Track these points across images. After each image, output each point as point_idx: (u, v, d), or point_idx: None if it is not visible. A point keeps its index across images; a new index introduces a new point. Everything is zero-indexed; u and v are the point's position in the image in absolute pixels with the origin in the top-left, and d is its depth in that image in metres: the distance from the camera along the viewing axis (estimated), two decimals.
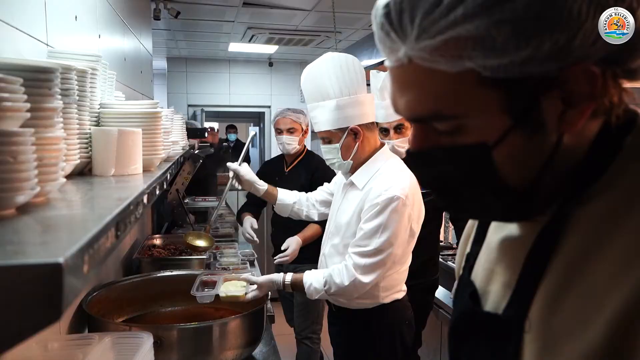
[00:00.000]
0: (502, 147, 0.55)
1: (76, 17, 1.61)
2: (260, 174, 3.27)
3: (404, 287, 1.93)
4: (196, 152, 3.32)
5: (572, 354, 0.51)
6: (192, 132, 3.88)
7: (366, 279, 1.73)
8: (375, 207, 1.74)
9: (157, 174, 1.16)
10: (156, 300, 1.97)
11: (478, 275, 0.71)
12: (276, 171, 3.27)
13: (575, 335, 0.52)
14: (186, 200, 3.79)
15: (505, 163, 0.56)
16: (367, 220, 1.75)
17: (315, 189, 2.37)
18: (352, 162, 1.90)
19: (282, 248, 2.77)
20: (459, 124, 0.56)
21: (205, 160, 3.88)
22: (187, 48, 6.68)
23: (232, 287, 1.82)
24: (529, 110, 0.54)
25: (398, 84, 0.59)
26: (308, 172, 3.14)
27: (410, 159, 0.63)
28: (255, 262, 3.08)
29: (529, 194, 0.58)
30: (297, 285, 1.84)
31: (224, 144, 4.92)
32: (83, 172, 1.11)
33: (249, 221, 3.12)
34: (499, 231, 0.69)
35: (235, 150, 6.43)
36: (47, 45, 1.30)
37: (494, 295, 0.66)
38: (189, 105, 7.34)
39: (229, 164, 2.28)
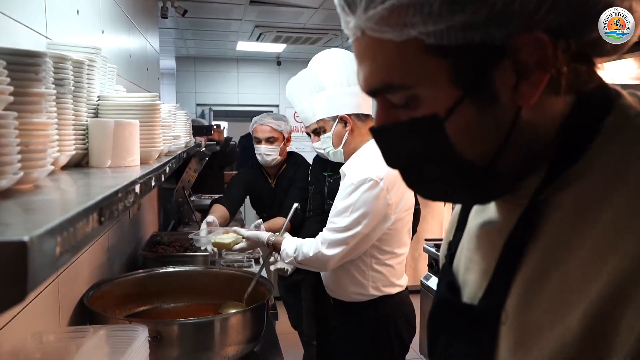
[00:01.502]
0: (454, 120, 0.54)
1: (78, 11, 1.60)
2: (244, 184, 3.05)
3: (400, 284, 1.94)
4: (202, 149, 3.32)
5: (548, 345, 0.49)
6: (198, 130, 3.89)
7: (329, 252, 1.80)
8: (349, 187, 1.82)
9: (154, 166, 1.15)
10: (159, 296, 1.96)
11: (460, 264, 0.69)
12: (260, 184, 2.98)
13: (551, 327, 0.50)
14: (192, 198, 3.79)
15: (461, 137, 0.54)
16: (341, 199, 1.84)
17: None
18: (343, 150, 1.98)
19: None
20: (412, 96, 0.55)
21: (212, 157, 3.88)
22: (196, 47, 6.70)
23: (226, 238, 2.06)
24: (478, 80, 0.52)
25: (356, 57, 0.59)
26: (300, 178, 2.86)
27: (375, 137, 0.62)
28: (260, 260, 3.06)
29: (492, 171, 0.56)
30: (276, 247, 1.99)
31: (231, 142, 4.91)
32: (80, 164, 1.11)
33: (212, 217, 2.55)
34: (478, 217, 0.67)
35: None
36: (47, 37, 1.30)
37: (472, 284, 0.64)
38: (198, 105, 7.36)
39: (268, 237, 2.05)
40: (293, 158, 3.03)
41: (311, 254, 1.83)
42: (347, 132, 1.94)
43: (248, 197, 3.13)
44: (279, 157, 2.87)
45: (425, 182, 0.61)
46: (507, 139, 0.54)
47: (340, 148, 1.98)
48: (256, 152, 2.88)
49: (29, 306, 1.19)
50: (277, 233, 2.05)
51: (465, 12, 0.49)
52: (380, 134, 0.61)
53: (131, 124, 1.11)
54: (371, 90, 0.59)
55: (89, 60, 1.13)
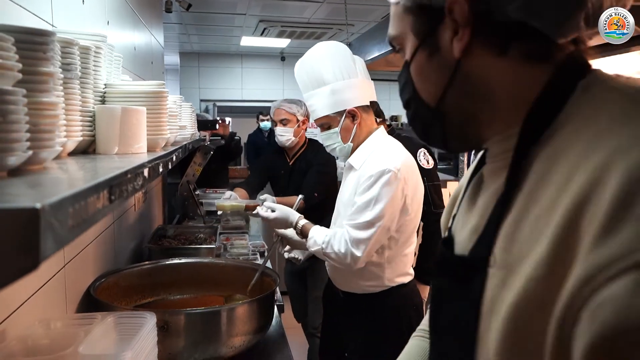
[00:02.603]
0: (414, 64, 0.69)
1: (83, 1, 1.60)
2: (261, 169, 3.27)
3: (411, 272, 1.95)
4: (207, 143, 3.32)
5: (524, 276, 0.53)
6: (203, 124, 3.88)
7: (358, 252, 1.76)
8: (368, 181, 1.78)
9: (162, 153, 1.15)
10: (165, 288, 1.96)
11: (457, 226, 0.75)
12: (279, 165, 3.17)
13: (527, 259, 0.53)
14: (197, 192, 3.79)
15: (417, 78, 0.70)
16: (361, 194, 1.80)
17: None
18: (352, 144, 1.94)
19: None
20: (401, 45, 0.72)
21: (216, 152, 3.88)
22: (200, 42, 6.69)
23: (227, 202, 2.22)
24: (428, 33, 0.66)
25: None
26: (319, 163, 3.04)
27: (399, 82, 0.76)
28: (266, 253, 3.06)
29: (439, 110, 0.69)
30: (304, 233, 1.93)
31: (236, 137, 4.90)
32: (87, 152, 1.10)
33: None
34: (475, 188, 0.73)
35: (270, 137, 6.11)
36: (52, 25, 1.29)
37: (463, 240, 0.70)
38: (202, 100, 7.37)
39: (278, 230, 2.05)
40: (314, 144, 3.14)
41: (343, 251, 1.77)
42: (355, 126, 1.91)
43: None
44: (293, 138, 3.01)
45: (415, 123, 0.75)
46: (449, 84, 0.66)
47: (349, 143, 1.94)
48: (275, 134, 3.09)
49: (36, 294, 1.18)
50: (302, 216, 1.99)
51: None
52: (398, 80, 0.75)
53: (138, 111, 1.11)
54: (389, 40, 0.75)
55: (95, 47, 1.12)
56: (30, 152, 0.60)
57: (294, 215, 1.96)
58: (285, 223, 1.97)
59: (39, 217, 0.36)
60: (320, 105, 1.93)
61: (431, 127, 0.71)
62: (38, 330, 0.95)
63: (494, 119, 0.66)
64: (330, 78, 1.90)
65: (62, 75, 0.87)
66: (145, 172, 0.84)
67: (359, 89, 1.92)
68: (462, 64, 0.64)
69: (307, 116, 3.03)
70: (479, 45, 0.63)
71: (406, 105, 0.75)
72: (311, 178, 2.97)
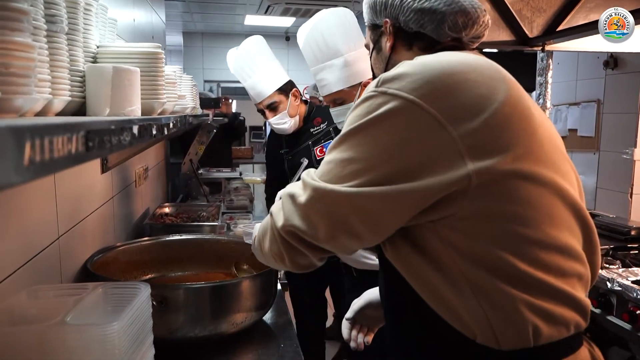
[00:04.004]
0: (372, 58, 1.20)
1: None
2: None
3: None
4: (210, 122, 3.25)
5: None
6: (206, 102, 3.82)
7: None
8: None
9: (157, 116, 1.08)
10: (166, 264, 1.91)
11: None
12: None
13: None
14: (200, 171, 3.74)
15: (374, 66, 1.21)
16: None
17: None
18: None
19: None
20: (369, 48, 1.22)
21: (219, 131, 3.81)
22: (203, 22, 6.58)
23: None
24: (377, 40, 1.16)
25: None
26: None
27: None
28: None
29: None
30: None
31: (239, 117, 4.82)
32: (77, 114, 1.04)
33: None
34: None
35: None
36: None
37: None
38: (205, 81, 7.28)
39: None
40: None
41: None
42: None
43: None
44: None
45: None
46: (386, 66, 1.13)
47: None
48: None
49: (26, 265, 1.13)
50: None
51: (368, 14, 1.18)
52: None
53: (131, 71, 1.04)
54: (365, 45, 1.26)
55: (84, 3, 1.05)
56: None
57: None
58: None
59: None
60: (333, 79, 1.78)
61: None
62: (25, 300, 0.90)
63: None
64: (344, 48, 1.75)
65: (45, 27, 0.81)
66: (135, 129, 0.78)
67: (369, 59, 1.81)
68: (390, 56, 1.12)
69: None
70: (397, 45, 1.11)
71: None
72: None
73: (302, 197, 0.90)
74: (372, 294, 1.38)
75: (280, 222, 0.93)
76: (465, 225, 0.83)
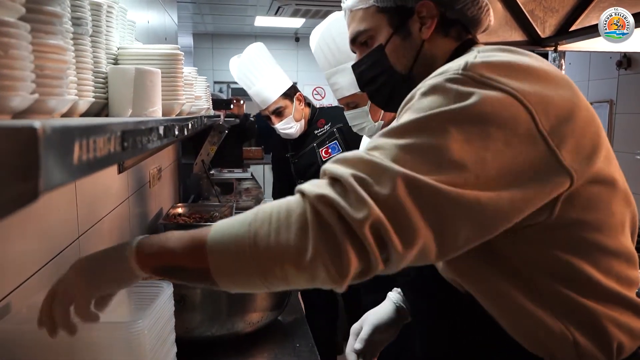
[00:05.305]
0: (389, 46, 1.02)
1: None
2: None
3: None
4: (221, 122, 3.27)
5: None
6: (218, 103, 3.83)
7: None
8: None
9: (179, 117, 1.09)
10: None
11: None
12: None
13: None
14: (212, 172, 3.76)
15: (392, 55, 1.02)
16: None
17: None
18: (382, 122, 1.79)
19: None
20: (369, 36, 1.05)
21: (231, 132, 3.83)
22: (213, 23, 6.62)
23: None
24: (401, 25, 1.00)
25: (348, 23, 1.09)
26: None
27: (354, 70, 1.12)
28: None
29: (409, 77, 1.02)
30: None
31: (251, 118, 4.84)
32: (99, 115, 1.06)
33: None
34: None
35: None
36: None
37: None
38: (215, 82, 7.31)
39: None
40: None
41: None
42: None
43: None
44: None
45: (381, 93, 1.09)
46: (416, 58, 1.00)
47: (380, 121, 1.78)
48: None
49: (49, 264, 1.15)
50: None
51: None
52: (358, 67, 1.10)
53: (152, 72, 1.05)
54: (352, 37, 1.08)
55: (107, 5, 1.07)
56: (35, 96, 0.55)
57: None
58: None
59: (37, 138, 0.30)
60: (346, 83, 1.77)
61: (400, 90, 0.97)
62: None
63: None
64: None
65: (72, 29, 0.82)
66: (161, 129, 0.79)
67: None
68: (423, 44, 0.99)
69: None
70: (435, 30, 0.99)
71: (372, 80, 1.07)
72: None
73: (383, 185, 0.66)
74: (374, 317, 1.28)
75: (358, 213, 0.65)
76: (544, 234, 0.79)
